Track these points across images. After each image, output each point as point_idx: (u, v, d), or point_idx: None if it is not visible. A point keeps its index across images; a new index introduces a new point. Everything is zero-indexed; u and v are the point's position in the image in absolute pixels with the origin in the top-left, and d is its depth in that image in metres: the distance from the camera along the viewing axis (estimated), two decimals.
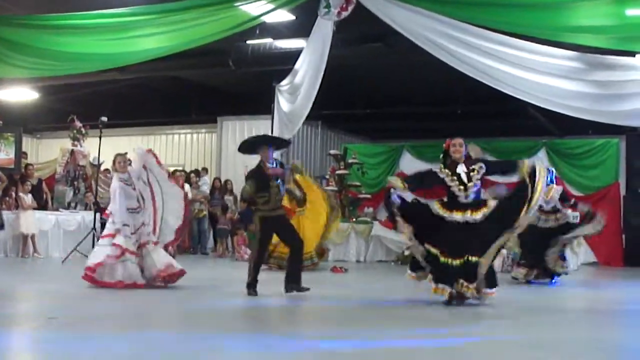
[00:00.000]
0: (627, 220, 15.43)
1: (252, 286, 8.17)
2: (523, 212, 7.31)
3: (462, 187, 7.49)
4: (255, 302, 7.82)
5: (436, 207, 7.56)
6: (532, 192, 7.28)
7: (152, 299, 7.75)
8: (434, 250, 7.43)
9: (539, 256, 10.39)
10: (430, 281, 7.46)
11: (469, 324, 6.55)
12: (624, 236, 15.54)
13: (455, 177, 7.54)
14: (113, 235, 8.60)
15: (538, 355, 5.12)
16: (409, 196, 7.87)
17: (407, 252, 10.38)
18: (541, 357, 5.09)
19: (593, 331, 6.45)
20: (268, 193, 8.17)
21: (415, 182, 7.88)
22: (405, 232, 7.53)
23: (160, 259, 8.78)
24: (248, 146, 8.61)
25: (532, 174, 7.37)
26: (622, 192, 15.74)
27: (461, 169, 7.56)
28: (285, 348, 5.13)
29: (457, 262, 7.28)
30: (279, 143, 9.45)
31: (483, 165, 7.60)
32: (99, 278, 8.47)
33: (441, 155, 7.81)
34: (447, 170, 7.63)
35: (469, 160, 7.65)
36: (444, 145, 7.77)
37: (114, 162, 8.93)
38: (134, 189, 8.77)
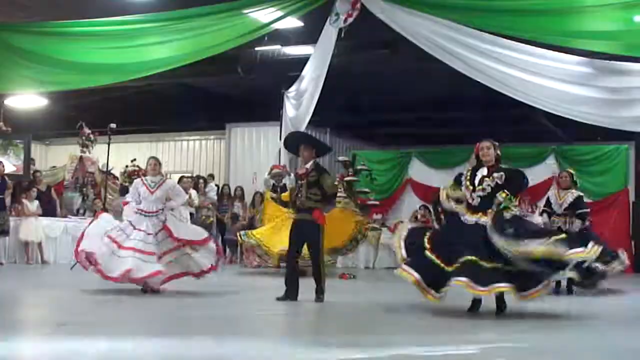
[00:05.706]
0: (636, 226, 15.37)
1: (286, 292, 8.08)
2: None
3: (470, 188, 7.46)
4: (256, 309, 7.80)
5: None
6: None
7: (159, 306, 7.74)
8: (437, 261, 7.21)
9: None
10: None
11: (479, 332, 6.50)
12: (633, 242, 15.48)
13: (469, 177, 7.52)
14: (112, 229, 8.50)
15: None
16: None
17: None
18: None
19: (605, 337, 6.40)
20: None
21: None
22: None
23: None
24: (293, 142, 8.63)
25: None
26: (632, 198, 15.69)
27: (482, 172, 7.52)
28: (288, 357, 5.11)
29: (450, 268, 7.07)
30: (322, 148, 8.83)
31: (503, 177, 7.42)
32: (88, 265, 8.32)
33: (473, 156, 7.76)
34: (470, 169, 7.63)
35: (495, 167, 7.54)
36: (475, 149, 7.73)
37: (148, 163, 8.92)
38: (152, 193, 8.62)
